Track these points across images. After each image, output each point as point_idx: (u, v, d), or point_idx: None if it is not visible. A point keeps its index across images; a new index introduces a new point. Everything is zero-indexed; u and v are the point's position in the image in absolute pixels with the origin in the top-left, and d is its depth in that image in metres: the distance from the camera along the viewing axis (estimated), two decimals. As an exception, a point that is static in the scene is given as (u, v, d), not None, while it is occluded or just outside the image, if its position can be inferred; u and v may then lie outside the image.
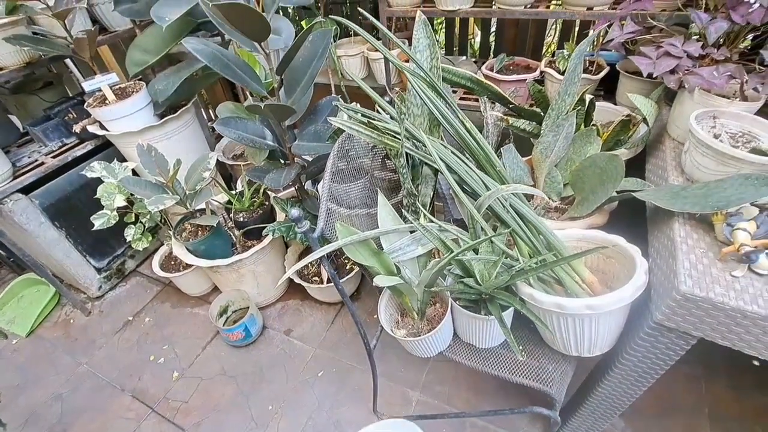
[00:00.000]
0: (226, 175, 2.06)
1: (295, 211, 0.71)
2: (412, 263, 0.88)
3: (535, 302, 0.78)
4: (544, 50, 1.89)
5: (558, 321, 0.79)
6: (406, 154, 0.93)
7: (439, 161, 0.81)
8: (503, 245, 0.83)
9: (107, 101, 1.44)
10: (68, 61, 1.96)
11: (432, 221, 0.87)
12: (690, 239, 0.73)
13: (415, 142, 0.93)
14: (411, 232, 0.89)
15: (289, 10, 2.13)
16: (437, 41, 2.25)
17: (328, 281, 1.56)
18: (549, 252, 0.85)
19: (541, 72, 1.38)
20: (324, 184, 0.85)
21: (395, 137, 0.86)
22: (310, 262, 1.66)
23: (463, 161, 0.91)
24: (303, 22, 1.83)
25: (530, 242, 0.86)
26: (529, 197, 1.09)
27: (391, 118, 0.93)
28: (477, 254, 0.83)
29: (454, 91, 1.59)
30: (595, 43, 1.50)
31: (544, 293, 0.79)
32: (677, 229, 0.75)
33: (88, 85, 1.41)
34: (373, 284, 0.77)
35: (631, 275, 0.75)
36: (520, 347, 0.93)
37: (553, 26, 1.84)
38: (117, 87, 1.50)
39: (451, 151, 0.92)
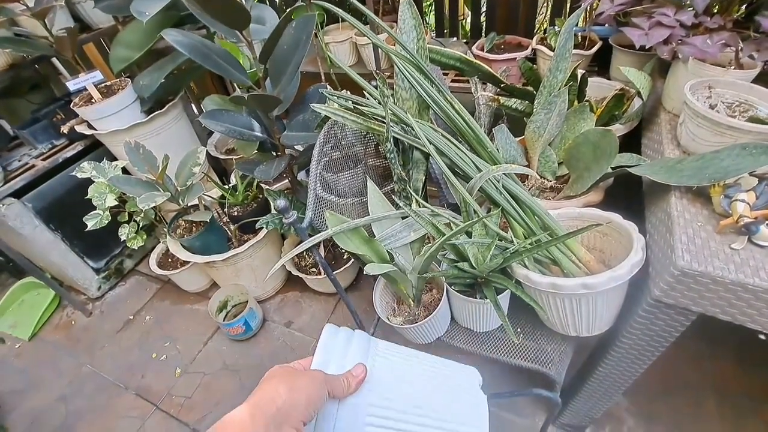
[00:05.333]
0: (220, 169, 2.04)
1: (281, 202, 0.69)
2: (405, 250, 0.87)
3: (530, 283, 0.76)
4: (536, 28, 1.85)
5: (555, 301, 0.78)
6: (396, 138, 0.91)
7: (427, 144, 0.79)
8: (497, 227, 0.82)
9: (93, 100, 1.41)
10: (56, 61, 1.93)
11: (424, 206, 0.86)
12: (687, 213, 0.71)
13: (403, 126, 0.91)
14: (403, 218, 0.87)
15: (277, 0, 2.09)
16: (427, 23, 2.21)
17: (326, 272, 1.55)
18: (544, 232, 0.83)
19: (533, 49, 1.35)
20: (311, 174, 0.83)
21: (381, 122, 0.84)
22: (308, 254, 1.66)
23: (453, 144, 0.89)
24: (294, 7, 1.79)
25: (524, 224, 0.84)
26: (524, 178, 1.07)
27: (378, 102, 0.91)
28: (470, 238, 0.81)
29: (446, 74, 1.56)
30: (587, 17, 1.46)
31: (539, 274, 0.78)
32: (674, 203, 0.73)
33: (72, 85, 1.39)
34: (364, 272, 0.75)
35: (628, 252, 0.74)
36: (518, 329, 0.92)
37: (545, 2, 1.79)
38: (102, 85, 1.48)
39: (441, 134, 0.90)
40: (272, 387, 0.40)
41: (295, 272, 1.58)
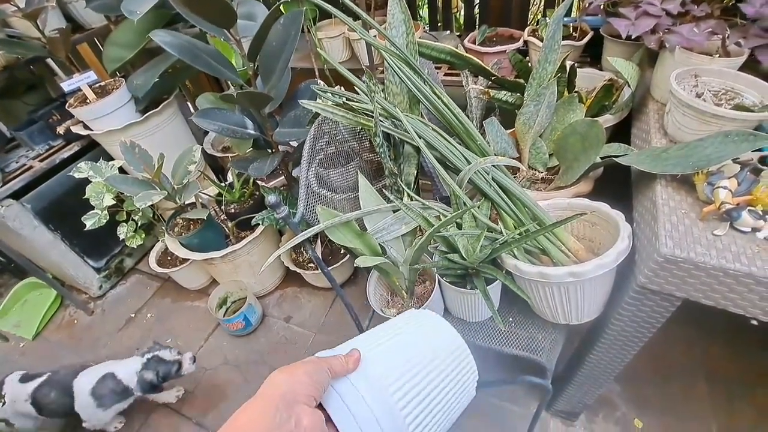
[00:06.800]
0: (217, 167, 2.05)
1: (272, 198, 0.70)
2: (397, 242, 0.88)
3: (520, 273, 0.78)
4: (530, 19, 1.84)
5: (544, 290, 0.79)
6: (387, 133, 0.92)
7: (416, 138, 0.80)
8: (486, 219, 0.83)
9: (88, 100, 1.42)
10: (51, 62, 1.94)
11: (415, 199, 0.87)
12: (672, 201, 0.72)
13: (394, 121, 0.92)
14: (394, 211, 0.89)
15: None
16: (421, 17, 2.20)
17: (324, 267, 1.56)
18: (533, 223, 0.85)
19: (525, 41, 1.35)
20: (302, 170, 0.84)
21: (372, 117, 0.85)
22: (305, 249, 1.67)
23: (443, 137, 0.90)
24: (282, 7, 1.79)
25: (514, 215, 0.85)
26: (515, 170, 1.08)
27: (371, 92, 0.91)
28: (460, 229, 0.83)
29: (438, 68, 1.56)
30: (579, 6, 1.46)
31: (528, 264, 0.79)
32: (659, 191, 0.74)
33: (67, 85, 1.40)
34: (354, 265, 0.77)
35: (616, 241, 0.75)
36: (510, 319, 0.94)
37: (538, -7, 1.79)
38: (97, 85, 1.49)
39: (432, 128, 0.91)
40: (271, 380, 0.41)
41: (293, 268, 1.60)
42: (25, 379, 1.25)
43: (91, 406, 1.21)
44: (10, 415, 1.24)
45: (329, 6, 0.89)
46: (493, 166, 0.86)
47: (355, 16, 0.90)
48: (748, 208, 0.64)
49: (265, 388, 0.40)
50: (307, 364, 0.43)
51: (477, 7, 1.88)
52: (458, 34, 1.84)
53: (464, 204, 0.82)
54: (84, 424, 1.27)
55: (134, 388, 1.23)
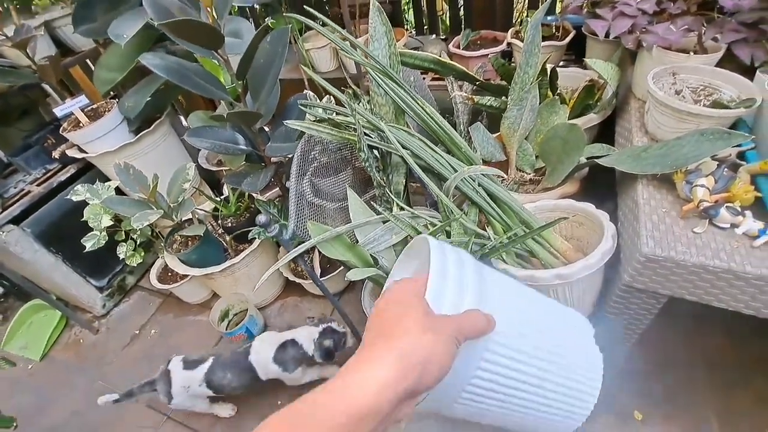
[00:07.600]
0: (213, 180, 2.06)
1: (262, 217, 0.72)
2: (389, 252, 0.90)
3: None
4: (515, 18, 1.86)
5: (534, 293, 0.81)
6: (373, 145, 0.93)
7: (400, 148, 0.82)
8: (474, 225, 0.84)
9: (81, 124, 1.44)
10: (46, 85, 1.96)
11: (403, 209, 0.89)
12: (653, 200, 0.74)
13: (380, 133, 0.93)
14: (384, 222, 0.90)
15: (255, 6, 2.10)
16: (407, 20, 2.21)
17: (322, 275, 1.58)
18: (521, 227, 0.86)
19: (509, 44, 1.37)
20: (291, 186, 0.86)
21: (355, 131, 0.86)
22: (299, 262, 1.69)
23: (429, 147, 0.91)
24: (269, 21, 1.80)
25: (502, 220, 0.87)
26: (505, 172, 1.09)
27: (352, 110, 0.93)
28: (449, 237, 0.84)
29: (425, 74, 1.58)
30: (562, 6, 1.47)
31: (518, 267, 0.81)
32: (640, 190, 0.76)
33: (59, 111, 1.42)
34: (345, 279, 0.78)
35: (601, 240, 0.77)
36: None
37: (521, -7, 1.81)
38: (89, 108, 1.51)
39: (418, 138, 0.93)
40: (412, 346, 0.32)
41: (292, 278, 1.61)
42: (187, 365, 1.30)
43: (278, 373, 1.26)
44: (184, 399, 1.30)
45: (312, 23, 0.90)
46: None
47: (341, 26, 0.91)
48: (726, 204, 0.66)
49: (403, 360, 0.31)
50: (446, 343, 0.34)
51: (462, 8, 1.90)
52: (444, 37, 1.85)
53: (451, 212, 0.83)
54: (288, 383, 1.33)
55: (313, 354, 1.25)
